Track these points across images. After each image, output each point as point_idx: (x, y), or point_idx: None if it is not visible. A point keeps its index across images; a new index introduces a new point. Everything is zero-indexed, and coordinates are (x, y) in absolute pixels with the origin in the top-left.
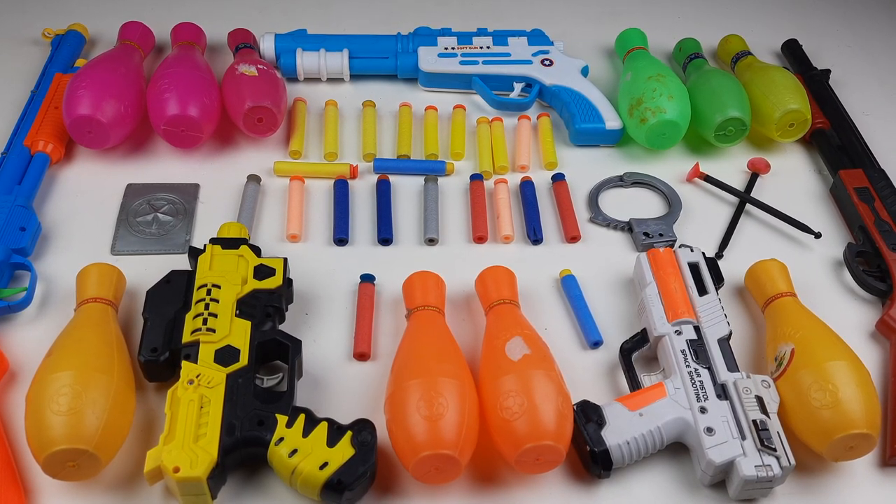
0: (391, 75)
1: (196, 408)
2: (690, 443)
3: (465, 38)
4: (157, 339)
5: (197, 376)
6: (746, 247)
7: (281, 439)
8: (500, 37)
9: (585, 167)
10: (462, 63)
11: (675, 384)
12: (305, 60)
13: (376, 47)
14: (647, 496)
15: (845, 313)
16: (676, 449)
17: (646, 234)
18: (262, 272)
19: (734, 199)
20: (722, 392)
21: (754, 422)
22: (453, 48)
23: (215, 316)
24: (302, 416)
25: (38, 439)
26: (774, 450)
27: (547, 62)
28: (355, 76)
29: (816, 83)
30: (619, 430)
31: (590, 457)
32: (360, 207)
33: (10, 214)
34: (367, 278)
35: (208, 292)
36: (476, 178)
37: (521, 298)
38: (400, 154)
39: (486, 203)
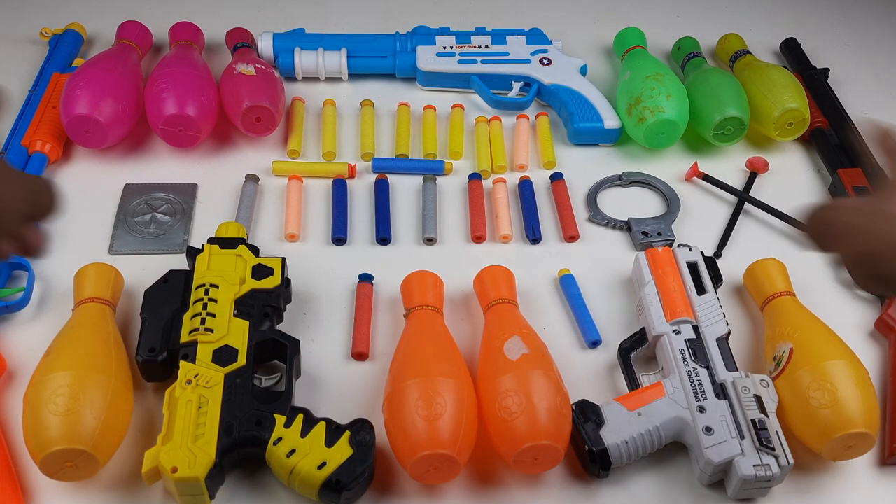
0: (389, 74)
1: (194, 408)
2: (689, 442)
3: (463, 37)
4: (155, 339)
5: (195, 376)
6: (745, 246)
7: (279, 439)
8: (499, 36)
9: (584, 166)
10: (460, 62)
11: (673, 383)
12: (304, 60)
13: (374, 46)
14: (645, 496)
15: (844, 312)
16: (675, 448)
17: (644, 233)
18: (261, 272)
19: (733, 199)
20: (720, 391)
21: (753, 421)
22: (451, 47)
23: (213, 316)
24: (300, 416)
25: (36, 439)
26: (773, 449)
27: (545, 61)
28: (353, 75)
29: (815, 82)
30: (618, 430)
31: (588, 456)
32: (358, 207)
33: None
34: (366, 278)
35: (206, 292)
36: (474, 177)
37: (519, 298)
38: (398, 153)
39: (484, 202)
